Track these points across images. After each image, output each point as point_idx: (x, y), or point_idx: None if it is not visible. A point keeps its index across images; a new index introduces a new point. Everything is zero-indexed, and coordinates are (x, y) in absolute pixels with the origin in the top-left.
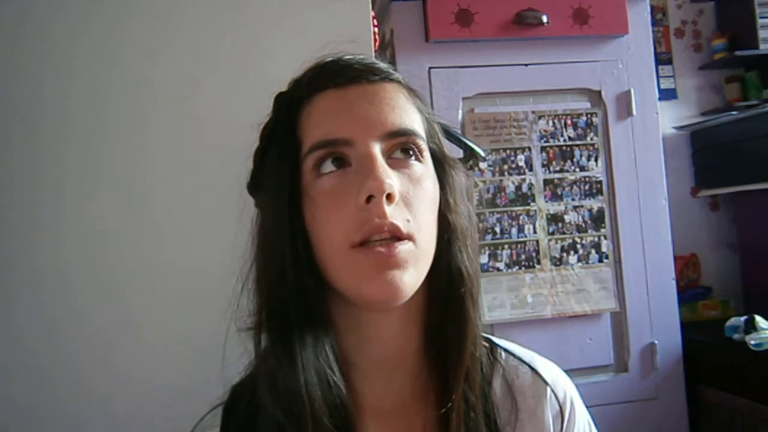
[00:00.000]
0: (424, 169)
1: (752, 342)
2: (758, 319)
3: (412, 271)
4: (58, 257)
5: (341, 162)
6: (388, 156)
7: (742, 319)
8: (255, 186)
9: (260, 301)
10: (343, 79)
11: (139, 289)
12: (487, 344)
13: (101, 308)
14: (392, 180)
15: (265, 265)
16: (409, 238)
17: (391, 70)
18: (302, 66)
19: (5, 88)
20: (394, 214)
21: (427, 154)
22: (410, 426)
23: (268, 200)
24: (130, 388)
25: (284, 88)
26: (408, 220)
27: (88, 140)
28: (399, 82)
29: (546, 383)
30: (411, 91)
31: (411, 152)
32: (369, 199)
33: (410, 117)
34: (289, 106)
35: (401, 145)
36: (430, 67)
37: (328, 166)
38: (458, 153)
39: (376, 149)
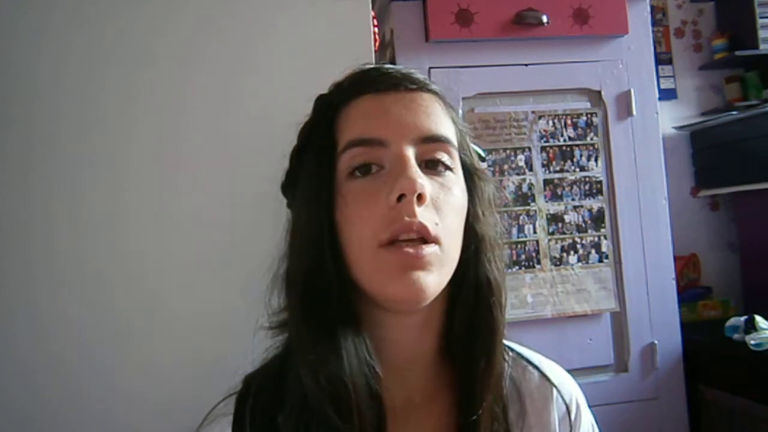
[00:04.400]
0: (454, 177)
1: (752, 342)
2: (758, 319)
3: (436, 275)
4: (50, 260)
5: (375, 165)
6: (421, 161)
7: (742, 319)
8: (289, 186)
9: (296, 297)
10: (383, 85)
11: (133, 296)
12: None
13: (93, 313)
14: (424, 181)
15: (302, 261)
16: (436, 241)
17: (428, 81)
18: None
19: None
20: (424, 215)
21: (458, 163)
22: (421, 425)
23: (303, 199)
24: (123, 395)
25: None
26: (436, 224)
27: (80, 140)
28: (436, 93)
29: (553, 385)
30: (447, 103)
31: (443, 159)
32: (400, 198)
33: (445, 126)
34: (329, 108)
35: (434, 151)
36: (430, 67)
37: (363, 162)
38: None
39: (410, 152)
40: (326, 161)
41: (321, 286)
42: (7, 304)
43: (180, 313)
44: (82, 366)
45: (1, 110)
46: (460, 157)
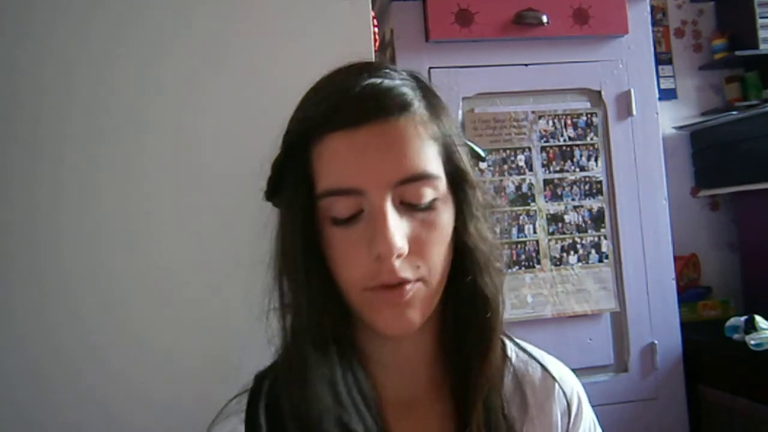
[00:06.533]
0: (438, 206)
1: (752, 342)
2: (758, 319)
3: (423, 306)
4: (58, 260)
5: (354, 206)
6: (401, 200)
7: (742, 319)
8: (271, 197)
9: (290, 324)
10: (354, 120)
11: (141, 294)
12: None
13: (101, 312)
14: (401, 237)
15: (289, 288)
16: (420, 280)
17: (404, 98)
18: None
19: (6, 87)
20: (404, 267)
21: (441, 188)
22: (426, 416)
23: (286, 232)
24: (130, 394)
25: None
26: (418, 267)
27: (89, 142)
28: (413, 112)
29: (554, 379)
30: (431, 114)
31: (423, 197)
32: (379, 256)
33: (423, 157)
34: (299, 143)
35: (413, 191)
36: (430, 67)
37: (341, 212)
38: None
39: (387, 202)
40: (304, 200)
41: (307, 317)
42: (16, 304)
43: (189, 312)
44: (90, 366)
45: (10, 112)
46: (447, 170)
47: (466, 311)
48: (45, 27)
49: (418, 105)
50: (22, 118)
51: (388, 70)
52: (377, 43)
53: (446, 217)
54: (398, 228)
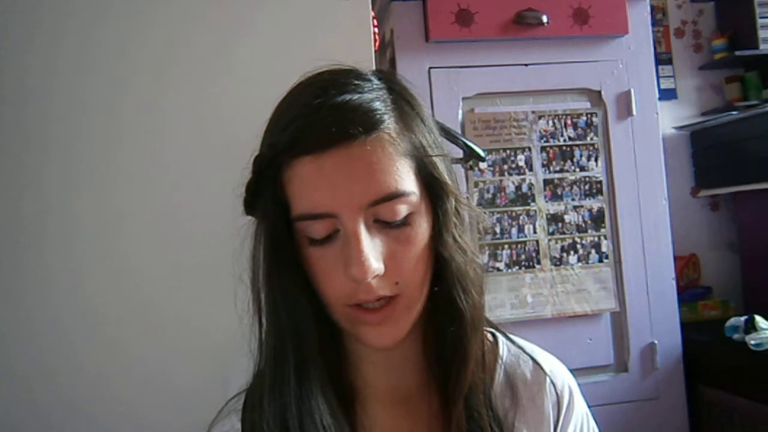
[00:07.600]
0: (413, 221)
1: (752, 342)
2: (758, 319)
3: (403, 321)
4: (41, 268)
5: (329, 227)
6: (375, 218)
7: (742, 319)
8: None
9: (270, 343)
10: (319, 145)
11: (128, 303)
12: (490, 336)
13: (86, 322)
14: (376, 259)
15: (266, 304)
16: (398, 295)
17: (372, 116)
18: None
19: None
20: (381, 285)
21: (416, 201)
22: (417, 413)
23: (264, 251)
24: (117, 404)
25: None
26: (396, 283)
27: (70, 144)
28: (381, 129)
29: (545, 373)
30: (401, 122)
31: (397, 215)
32: (354, 279)
33: (394, 175)
34: (269, 168)
35: (386, 210)
36: (430, 67)
37: (317, 233)
38: (458, 153)
39: (360, 225)
40: (279, 222)
41: (277, 345)
42: None
43: (174, 320)
44: (75, 375)
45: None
46: (421, 181)
47: (441, 322)
48: (24, 30)
49: (388, 120)
50: (4, 120)
51: (357, 82)
52: (377, 43)
53: (422, 229)
54: (372, 250)
